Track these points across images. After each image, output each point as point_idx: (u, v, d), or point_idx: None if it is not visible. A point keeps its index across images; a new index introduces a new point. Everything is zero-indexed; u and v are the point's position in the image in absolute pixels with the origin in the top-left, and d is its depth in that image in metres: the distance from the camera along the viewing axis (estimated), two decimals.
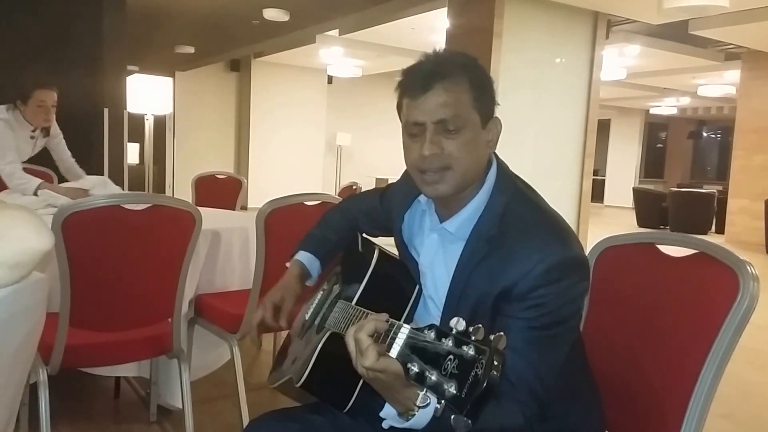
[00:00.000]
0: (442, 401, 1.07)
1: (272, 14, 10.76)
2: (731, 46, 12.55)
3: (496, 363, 1.05)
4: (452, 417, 1.06)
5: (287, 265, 2.05)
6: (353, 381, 1.64)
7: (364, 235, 2.09)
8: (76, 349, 2.72)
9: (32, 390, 2.59)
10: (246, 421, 3.08)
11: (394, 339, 1.19)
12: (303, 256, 2.05)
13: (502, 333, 1.09)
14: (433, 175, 1.58)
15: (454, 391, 1.05)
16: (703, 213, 15.62)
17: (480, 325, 1.09)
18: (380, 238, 2.04)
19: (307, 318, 1.97)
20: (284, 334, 2.23)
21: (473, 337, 1.08)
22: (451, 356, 1.08)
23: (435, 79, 1.53)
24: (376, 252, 1.90)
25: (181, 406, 3.21)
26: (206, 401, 3.91)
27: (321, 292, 2.01)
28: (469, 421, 1.05)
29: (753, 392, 4.74)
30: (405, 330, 1.19)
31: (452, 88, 1.53)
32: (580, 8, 9.06)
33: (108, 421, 3.64)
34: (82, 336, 2.72)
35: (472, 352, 1.06)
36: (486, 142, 1.61)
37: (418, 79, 1.55)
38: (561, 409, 1.56)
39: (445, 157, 1.55)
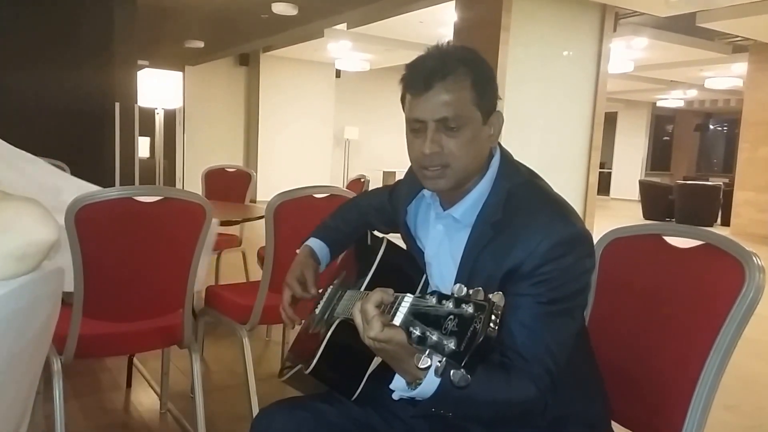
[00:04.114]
0: (443, 359, 1.10)
1: (281, 8, 10.77)
2: (738, 39, 12.52)
3: (494, 318, 1.08)
4: (451, 372, 1.09)
5: (297, 251, 2.07)
6: (362, 368, 1.67)
7: (375, 232, 2.12)
8: (90, 339, 2.74)
9: (46, 380, 2.61)
10: (256, 410, 3.10)
11: (398, 309, 1.22)
12: (313, 242, 2.08)
13: (500, 291, 1.11)
14: (434, 171, 1.59)
15: (453, 347, 1.08)
16: (709, 205, 15.59)
17: (480, 288, 1.11)
18: (391, 234, 2.07)
19: (317, 313, 1.99)
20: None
21: (472, 298, 1.10)
22: (451, 316, 1.10)
23: (436, 78, 1.52)
24: (384, 243, 1.93)
25: None
26: (217, 391, 3.95)
27: (330, 288, 2.03)
28: (468, 375, 1.08)
29: (758, 384, 4.75)
30: (408, 299, 1.21)
31: (453, 87, 1.53)
32: (587, 1, 9.06)
33: (120, 410, 3.68)
34: (95, 326, 2.75)
35: (470, 309, 1.09)
36: (488, 136, 1.61)
37: (420, 77, 1.55)
38: (566, 396, 1.57)
39: (445, 156, 1.56)
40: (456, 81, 1.53)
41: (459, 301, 1.11)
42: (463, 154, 1.57)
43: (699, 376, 1.60)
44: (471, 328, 1.07)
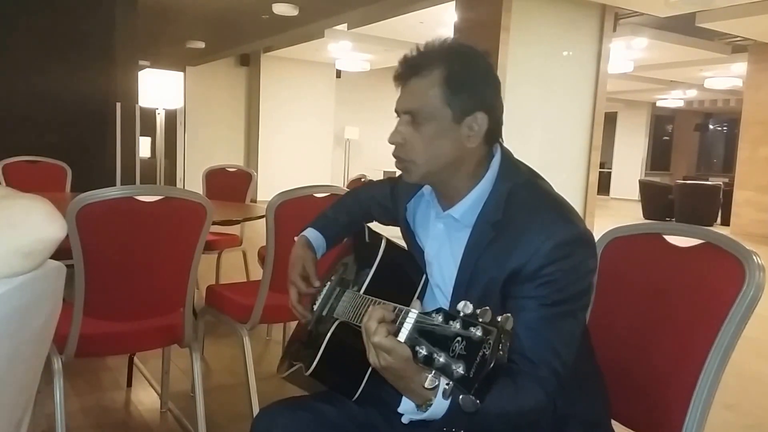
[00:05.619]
0: (451, 382, 1.08)
1: (281, 9, 10.78)
2: (738, 39, 12.53)
3: (503, 343, 1.07)
4: (460, 397, 1.07)
5: (295, 239, 2.08)
6: (362, 369, 1.65)
7: (374, 224, 2.10)
8: (90, 339, 2.74)
9: (47, 379, 2.61)
10: (256, 409, 3.10)
11: (402, 324, 1.21)
12: (310, 233, 2.08)
13: (509, 314, 1.09)
14: (399, 164, 1.64)
15: (462, 372, 1.06)
16: (708, 205, 15.60)
17: (487, 308, 1.09)
18: (390, 228, 2.06)
19: (315, 309, 1.99)
20: (293, 324, 2.25)
21: (480, 319, 1.08)
22: (458, 338, 1.09)
23: (411, 72, 1.59)
24: (384, 242, 1.91)
25: None
26: (217, 390, 3.96)
27: (328, 284, 2.02)
28: (477, 401, 1.06)
29: (758, 383, 4.76)
30: (413, 315, 1.20)
31: (423, 81, 1.56)
32: (587, 1, 9.06)
33: (120, 409, 3.69)
34: (95, 325, 2.75)
35: (479, 333, 1.07)
36: (465, 137, 1.59)
37: (400, 70, 1.62)
38: (567, 396, 1.55)
39: (407, 149, 1.61)
40: (427, 76, 1.56)
41: (466, 323, 1.10)
42: (423, 149, 1.59)
43: (699, 375, 1.59)
44: (480, 354, 1.06)
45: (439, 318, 1.14)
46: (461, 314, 1.11)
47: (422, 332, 1.16)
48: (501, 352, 1.07)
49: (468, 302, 1.12)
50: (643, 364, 1.79)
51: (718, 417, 3.52)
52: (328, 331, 1.71)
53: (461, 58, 1.60)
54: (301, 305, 1.96)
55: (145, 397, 3.83)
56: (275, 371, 2.09)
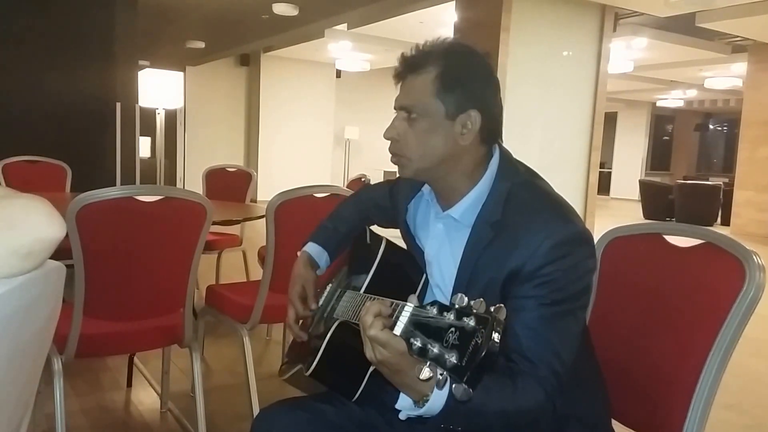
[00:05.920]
0: (444, 372, 1.09)
1: (281, 9, 10.79)
2: (738, 39, 12.53)
3: (496, 332, 1.07)
4: (453, 386, 1.08)
5: (298, 254, 2.07)
6: (362, 369, 1.65)
7: (374, 227, 2.10)
8: (90, 339, 2.74)
9: (47, 379, 2.61)
10: (256, 409, 3.10)
11: (398, 318, 1.21)
12: (311, 248, 2.06)
13: (501, 305, 1.10)
14: (395, 158, 1.66)
15: (455, 361, 1.07)
16: (708, 205, 15.59)
17: (481, 299, 1.10)
18: (390, 230, 2.06)
19: (316, 311, 1.99)
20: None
21: (474, 310, 1.09)
22: (452, 329, 1.09)
23: (409, 70, 1.61)
24: (384, 243, 1.91)
25: None
26: (217, 390, 3.95)
27: (329, 286, 2.03)
28: (470, 389, 1.07)
29: (758, 382, 4.76)
30: (409, 308, 1.21)
31: (419, 78, 1.58)
32: (587, 1, 9.06)
33: (120, 410, 3.68)
34: (95, 325, 2.75)
35: (472, 323, 1.08)
36: (458, 134, 1.59)
37: (399, 68, 1.64)
38: (567, 396, 1.54)
39: (400, 145, 1.63)
40: (422, 72, 1.58)
41: (460, 313, 1.10)
42: (416, 144, 1.61)
43: (699, 375, 1.59)
44: (472, 343, 1.06)
45: (434, 310, 1.15)
46: (456, 306, 1.12)
47: (417, 325, 1.17)
48: (494, 341, 1.07)
49: (463, 295, 1.13)
50: (643, 364, 1.78)
51: (718, 417, 3.52)
52: (328, 332, 1.71)
53: (457, 56, 1.61)
54: (297, 325, 1.96)
55: (145, 397, 3.83)
56: (275, 371, 2.09)
